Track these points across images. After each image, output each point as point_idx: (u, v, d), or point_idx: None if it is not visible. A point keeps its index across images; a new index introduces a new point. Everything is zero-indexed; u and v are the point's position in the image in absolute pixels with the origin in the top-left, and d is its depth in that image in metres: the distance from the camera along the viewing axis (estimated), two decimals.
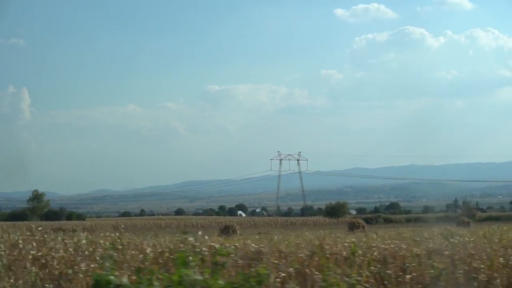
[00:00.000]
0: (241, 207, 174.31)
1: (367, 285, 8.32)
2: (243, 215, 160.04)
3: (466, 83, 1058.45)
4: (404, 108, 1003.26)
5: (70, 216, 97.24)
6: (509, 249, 11.04)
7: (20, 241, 11.33)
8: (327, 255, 9.95)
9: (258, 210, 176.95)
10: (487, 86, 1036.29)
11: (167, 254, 10.16)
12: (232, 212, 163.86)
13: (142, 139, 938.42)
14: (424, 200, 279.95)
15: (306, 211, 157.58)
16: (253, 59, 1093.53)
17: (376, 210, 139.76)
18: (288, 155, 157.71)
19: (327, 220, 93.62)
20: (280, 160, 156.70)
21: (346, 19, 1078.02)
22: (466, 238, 12.94)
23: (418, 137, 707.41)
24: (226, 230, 51.69)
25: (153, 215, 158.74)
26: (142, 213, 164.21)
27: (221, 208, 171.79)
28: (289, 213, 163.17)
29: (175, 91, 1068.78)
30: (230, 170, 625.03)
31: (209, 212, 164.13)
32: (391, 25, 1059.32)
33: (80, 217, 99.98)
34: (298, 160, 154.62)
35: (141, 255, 10.24)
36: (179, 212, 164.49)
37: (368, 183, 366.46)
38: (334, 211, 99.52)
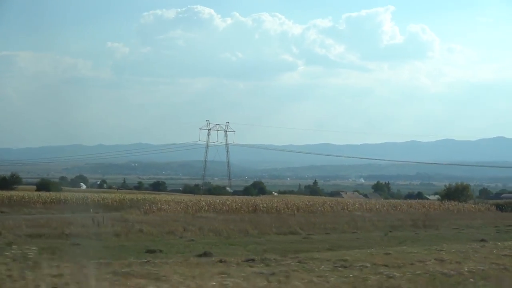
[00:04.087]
0: (81, 178, 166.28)
1: None
2: (85, 187, 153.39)
3: (250, 65, 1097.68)
4: (188, 86, 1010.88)
5: (47, 186, 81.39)
6: None
7: None
8: None
9: (98, 182, 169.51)
10: (270, 70, 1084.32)
11: None
12: (74, 183, 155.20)
13: None
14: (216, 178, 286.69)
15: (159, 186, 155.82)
16: (36, 25, 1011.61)
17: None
18: (217, 124, 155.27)
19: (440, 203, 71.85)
20: (209, 130, 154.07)
21: None
22: None
23: (201, 116, 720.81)
24: None
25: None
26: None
27: (62, 178, 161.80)
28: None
29: None
30: (7, 137, 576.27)
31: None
32: (180, 3, 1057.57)
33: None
34: (225, 131, 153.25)
35: None
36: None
37: (153, 159, 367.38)
38: (457, 194, 77.45)
